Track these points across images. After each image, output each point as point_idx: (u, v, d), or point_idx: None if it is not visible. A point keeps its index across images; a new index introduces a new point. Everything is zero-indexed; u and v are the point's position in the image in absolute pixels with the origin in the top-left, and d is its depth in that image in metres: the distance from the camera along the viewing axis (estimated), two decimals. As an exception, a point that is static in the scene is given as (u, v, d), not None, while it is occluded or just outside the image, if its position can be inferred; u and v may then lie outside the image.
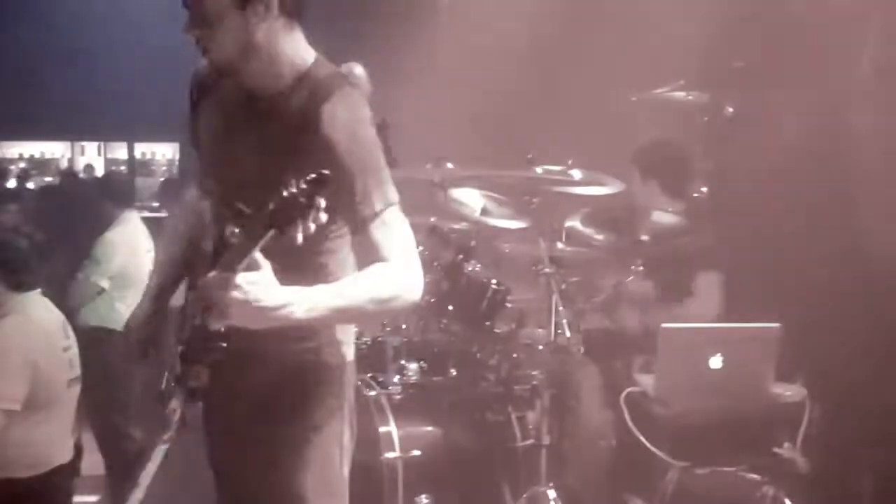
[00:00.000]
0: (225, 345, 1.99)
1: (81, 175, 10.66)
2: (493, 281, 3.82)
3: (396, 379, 3.79)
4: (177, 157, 11.22)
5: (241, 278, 1.87)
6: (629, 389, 3.50)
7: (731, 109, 4.67)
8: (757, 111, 4.59)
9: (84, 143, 11.43)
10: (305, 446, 2.24)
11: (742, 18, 4.65)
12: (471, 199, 4.23)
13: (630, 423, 3.38)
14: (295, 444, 2.24)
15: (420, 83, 5.82)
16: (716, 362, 3.34)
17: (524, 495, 3.58)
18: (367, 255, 2.12)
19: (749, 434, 3.40)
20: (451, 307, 3.83)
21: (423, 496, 3.51)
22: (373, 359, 3.83)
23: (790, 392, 3.51)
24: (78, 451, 3.81)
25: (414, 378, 3.83)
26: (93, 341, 4.55)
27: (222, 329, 1.97)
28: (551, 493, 3.52)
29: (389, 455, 3.48)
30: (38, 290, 3.72)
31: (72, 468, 3.75)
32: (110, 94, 9.42)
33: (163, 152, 11.43)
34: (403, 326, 3.98)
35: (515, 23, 5.85)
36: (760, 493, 3.31)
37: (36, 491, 3.57)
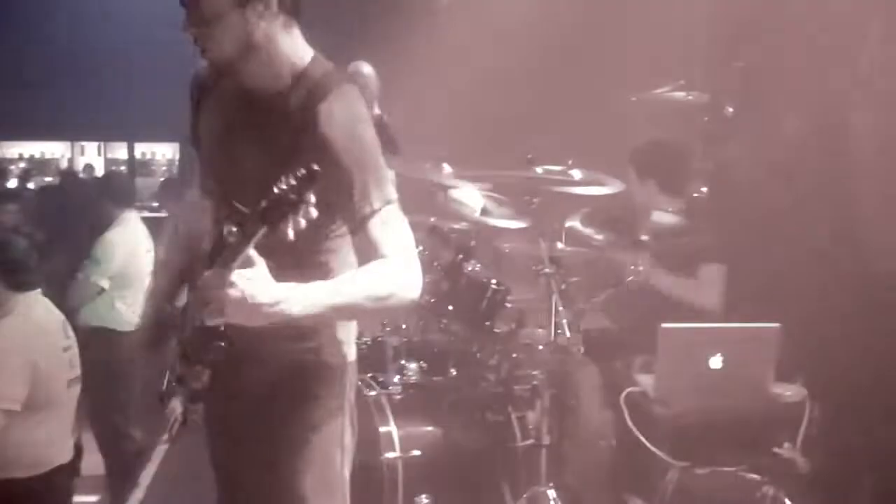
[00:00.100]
0: (224, 344, 1.99)
1: (81, 175, 10.66)
2: (493, 281, 3.82)
3: (396, 379, 3.79)
4: (177, 157, 11.22)
5: (237, 275, 1.88)
6: (629, 389, 3.50)
7: (731, 109, 4.67)
8: (757, 111, 4.59)
9: (84, 143, 11.43)
10: (306, 446, 2.24)
11: (742, 18, 4.65)
12: (471, 199, 4.23)
13: (630, 423, 3.38)
14: (295, 445, 2.24)
15: (420, 83, 5.82)
16: (716, 362, 3.34)
17: (524, 495, 3.58)
18: (366, 253, 2.12)
19: (749, 434, 3.40)
20: (451, 307, 3.83)
21: (423, 496, 3.51)
22: (373, 359, 3.83)
23: (790, 392, 3.51)
24: (78, 451, 3.82)
25: (414, 378, 3.83)
26: (93, 341, 4.55)
27: (222, 328, 1.97)
28: (551, 493, 3.52)
29: (389, 455, 3.48)
30: (39, 291, 3.72)
31: (72, 468, 3.75)
32: (110, 94, 9.42)
33: (163, 152, 11.44)
34: (403, 326, 3.99)
35: (515, 23, 5.85)
36: (760, 493, 3.31)
37: (36, 491, 3.57)
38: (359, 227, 2.12)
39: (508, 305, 3.91)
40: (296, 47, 2.22)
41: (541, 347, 3.72)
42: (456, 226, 4.15)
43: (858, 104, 4.12)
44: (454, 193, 4.17)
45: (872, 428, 3.88)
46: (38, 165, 11.31)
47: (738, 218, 4.35)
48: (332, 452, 2.28)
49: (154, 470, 2.22)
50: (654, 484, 3.40)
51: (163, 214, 7.82)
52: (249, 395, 2.27)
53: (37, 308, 3.70)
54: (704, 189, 4.61)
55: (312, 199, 1.85)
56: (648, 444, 3.34)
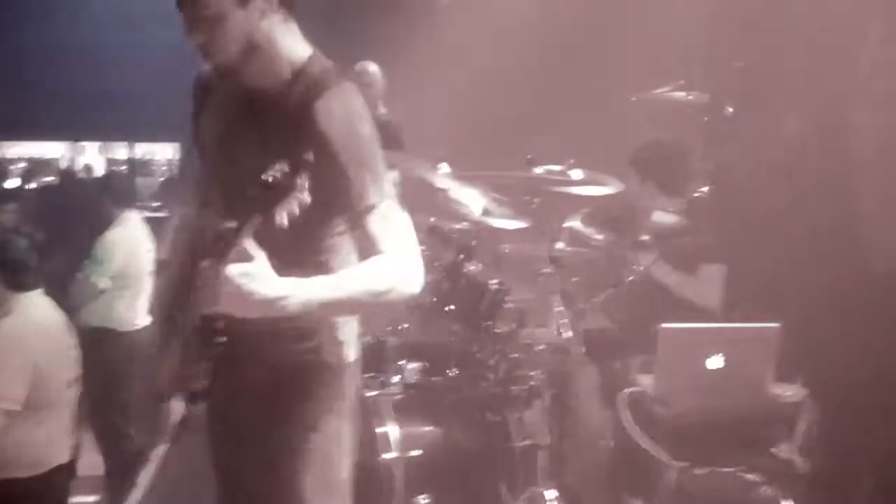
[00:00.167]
0: (222, 341, 2.00)
1: (81, 175, 10.65)
2: (493, 281, 3.82)
3: (396, 379, 3.79)
4: (177, 157, 11.21)
5: (234, 269, 1.88)
6: (629, 389, 3.50)
7: (731, 109, 4.67)
8: (757, 111, 4.59)
9: (84, 143, 11.42)
10: (306, 447, 2.24)
11: (742, 19, 4.65)
12: (471, 199, 4.23)
13: (630, 423, 3.38)
14: (296, 445, 2.24)
15: (420, 83, 5.82)
16: (715, 362, 3.33)
17: (523, 495, 3.57)
18: (366, 249, 2.12)
19: (748, 434, 3.40)
20: (451, 307, 3.83)
21: (423, 496, 3.51)
22: (373, 359, 3.83)
23: (790, 392, 3.50)
24: (78, 451, 3.82)
25: (414, 378, 3.83)
26: (93, 341, 4.55)
27: (220, 324, 1.98)
28: (551, 493, 3.52)
29: (389, 455, 3.48)
30: (40, 291, 3.72)
31: (71, 468, 3.75)
32: (110, 94, 9.40)
33: (163, 152, 11.42)
34: (403, 326, 3.98)
35: (515, 23, 5.85)
36: (760, 493, 3.31)
37: (35, 491, 3.57)
38: (357, 222, 2.12)
39: (508, 305, 3.91)
40: (295, 44, 2.22)
41: (541, 347, 3.72)
42: (456, 226, 4.15)
43: (858, 104, 4.12)
44: (454, 193, 4.17)
45: (872, 428, 3.88)
46: (38, 165, 11.29)
47: (738, 218, 4.35)
48: (333, 453, 2.28)
49: (153, 470, 2.23)
50: (653, 484, 3.40)
51: (163, 214, 7.82)
52: (250, 396, 2.27)
53: (37, 308, 3.70)
54: (704, 189, 4.61)
55: (305, 184, 1.86)
56: (648, 445, 3.34)
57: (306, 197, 1.89)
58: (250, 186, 1.91)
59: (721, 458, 3.37)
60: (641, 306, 3.98)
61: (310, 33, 2.27)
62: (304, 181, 1.90)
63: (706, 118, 4.75)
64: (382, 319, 4.01)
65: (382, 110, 5.66)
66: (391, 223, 2.12)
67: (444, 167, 4.13)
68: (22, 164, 11.24)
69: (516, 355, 3.85)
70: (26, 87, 9.49)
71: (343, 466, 2.30)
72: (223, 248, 1.89)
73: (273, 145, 2.14)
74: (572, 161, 3.75)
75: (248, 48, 2.14)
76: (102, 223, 5.37)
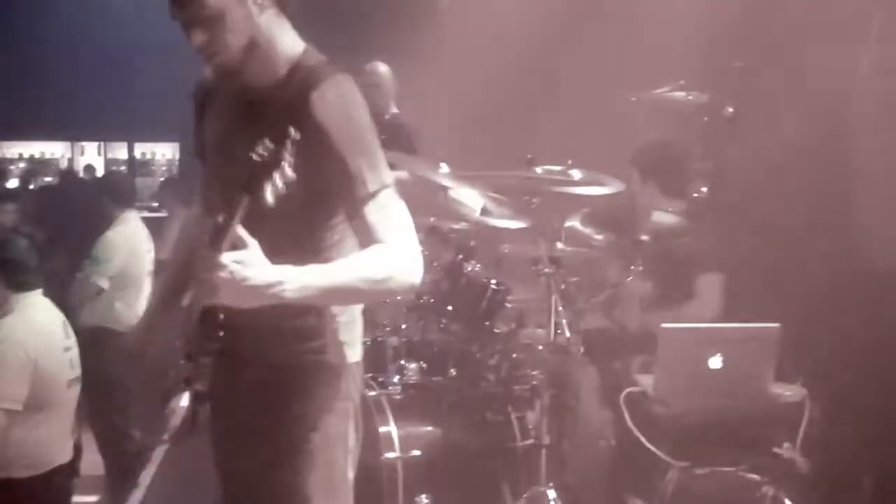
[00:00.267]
0: (222, 334, 2.00)
1: (81, 175, 10.66)
2: (493, 281, 3.82)
3: (396, 379, 3.79)
4: (177, 157, 11.21)
5: (228, 257, 1.88)
6: (629, 389, 3.50)
7: (731, 109, 4.67)
8: (757, 111, 4.59)
9: (84, 143, 11.42)
10: (310, 448, 2.23)
11: (742, 18, 4.65)
12: (471, 199, 4.23)
13: (630, 423, 3.38)
14: (299, 446, 2.23)
15: (420, 84, 5.82)
16: (715, 362, 3.33)
17: (524, 495, 3.57)
18: (365, 239, 2.11)
19: (749, 434, 3.40)
20: (451, 307, 3.84)
21: (423, 496, 3.51)
22: (373, 359, 3.83)
23: (790, 392, 3.50)
24: (78, 451, 3.82)
25: (414, 378, 3.83)
26: (93, 341, 4.55)
27: (220, 317, 1.98)
28: (551, 493, 3.52)
29: (389, 455, 3.48)
30: (40, 291, 3.73)
31: (72, 468, 3.75)
32: (110, 94, 9.42)
33: (163, 152, 11.43)
34: (403, 326, 3.99)
35: (515, 23, 5.85)
36: (760, 493, 3.30)
37: (36, 491, 3.57)
38: (355, 211, 2.11)
39: (508, 305, 3.91)
40: (290, 39, 2.24)
41: (541, 347, 3.72)
42: (456, 226, 4.15)
43: (858, 104, 4.12)
44: (454, 193, 4.17)
45: (872, 428, 3.88)
46: (38, 165, 11.30)
47: (738, 218, 4.35)
48: (337, 454, 2.27)
49: (154, 470, 2.22)
50: (654, 484, 3.40)
51: (163, 214, 7.83)
52: (253, 396, 2.26)
53: (37, 308, 3.70)
54: (704, 189, 4.61)
55: (289, 160, 1.88)
56: (648, 444, 3.34)
57: (290, 172, 1.90)
58: (241, 171, 1.92)
59: (721, 458, 3.37)
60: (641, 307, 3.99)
61: (310, 34, 2.27)
62: (288, 156, 1.91)
63: (706, 118, 4.75)
64: (384, 318, 4.02)
65: (394, 110, 5.65)
66: (389, 212, 2.11)
67: (444, 167, 4.13)
68: (22, 164, 11.25)
69: (516, 355, 3.85)
70: (26, 87, 9.50)
71: (347, 467, 2.30)
72: (218, 236, 1.90)
73: (272, 139, 2.14)
74: (572, 161, 3.75)
75: (248, 46, 2.15)
76: (102, 223, 5.37)
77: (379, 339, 3.93)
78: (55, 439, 3.65)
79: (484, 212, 4.20)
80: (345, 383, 2.29)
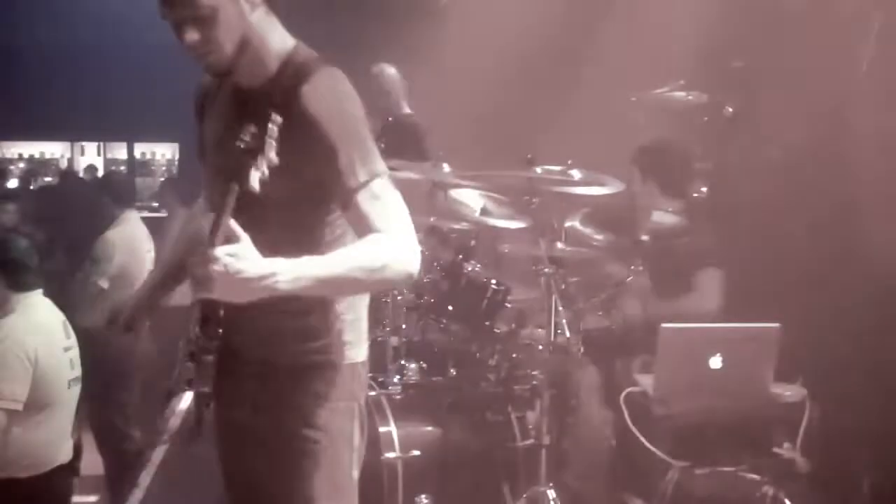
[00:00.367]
0: (221, 331, 2.00)
1: (82, 175, 10.66)
2: (493, 281, 3.82)
3: (396, 379, 3.79)
4: (177, 157, 11.21)
5: (220, 251, 1.88)
6: (629, 389, 3.50)
7: (731, 109, 4.67)
8: (757, 111, 4.59)
9: (84, 143, 11.42)
10: (315, 448, 2.22)
11: (742, 18, 4.65)
12: (470, 199, 4.23)
13: (630, 423, 3.38)
14: (304, 446, 2.22)
15: (420, 84, 5.82)
16: (715, 362, 3.34)
17: (524, 495, 3.58)
18: (360, 230, 2.10)
19: (749, 434, 3.41)
20: (451, 307, 3.84)
21: (423, 496, 3.51)
22: (373, 359, 3.81)
23: (790, 392, 3.51)
24: (78, 451, 3.82)
25: (414, 378, 3.83)
26: (93, 341, 4.55)
27: (220, 313, 1.98)
28: (551, 493, 3.52)
29: (389, 455, 3.48)
30: (40, 291, 3.72)
31: (71, 468, 3.75)
32: (110, 94, 9.41)
33: (163, 152, 11.42)
34: (403, 326, 3.99)
35: (515, 23, 5.85)
36: (760, 493, 3.31)
37: (36, 491, 3.57)
38: (348, 201, 2.09)
39: (508, 305, 3.91)
40: (280, 35, 2.24)
41: (541, 347, 3.72)
42: (456, 226, 4.15)
43: (858, 104, 4.12)
44: (454, 193, 4.17)
45: (872, 428, 3.88)
46: (38, 165, 11.30)
47: (737, 218, 4.35)
48: (342, 454, 2.26)
49: (154, 470, 2.22)
50: (654, 484, 3.40)
51: (163, 214, 7.83)
52: (258, 397, 2.26)
53: (38, 308, 3.70)
54: (704, 189, 4.61)
55: (273, 144, 1.90)
56: (648, 445, 3.34)
57: (274, 158, 1.91)
58: (228, 160, 1.93)
59: (721, 458, 3.37)
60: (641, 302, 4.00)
61: (309, 34, 2.27)
62: (272, 141, 1.92)
63: (706, 118, 4.75)
64: (385, 318, 4.01)
65: (406, 111, 5.63)
66: (383, 202, 2.10)
67: (446, 167, 4.13)
68: (22, 164, 11.25)
69: (516, 355, 3.85)
70: (26, 87, 9.49)
71: (352, 467, 2.29)
72: (210, 233, 1.90)
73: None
74: (572, 161, 3.75)
75: (240, 44, 2.15)
76: (102, 223, 5.37)
77: (379, 339, 3.93)
78: (55, 439, 3.65)
79: (484, 212, 4.20)
80: (350, 383, 2.28)
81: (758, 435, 3.43)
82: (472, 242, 4.00)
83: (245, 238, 1.92)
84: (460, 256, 3.90)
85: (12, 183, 10.31)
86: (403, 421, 3.58)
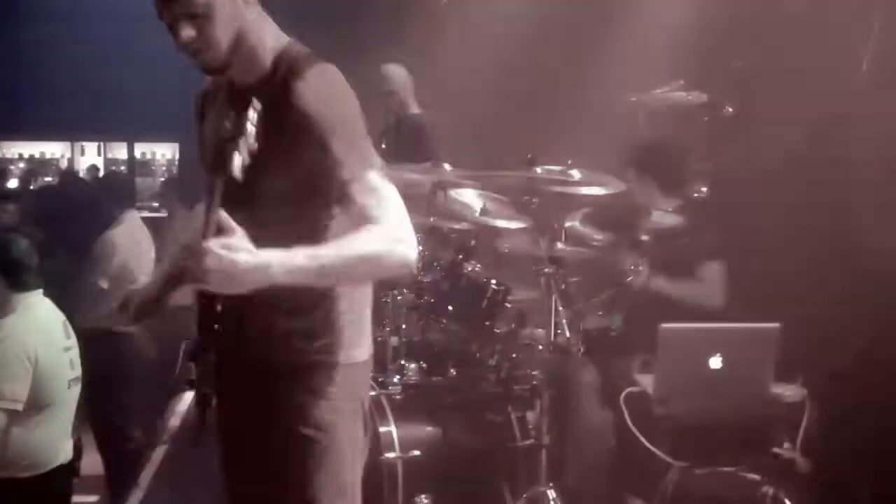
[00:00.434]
0: (217, 326, 2.00)
1: (84, 175, 10.66)
2: (493, 281, 3.82)
3: (396, 379, 3.79)
4: (177, 157, 11.21)
5: (213, 243, 1.89)
6: (629, 389, 3.50)
7: (730, 109, 4.67)
8: (757, 111, 4.59)
9: (84, 143, 11.41)
10: (318, 448, 2.22)
11: (742, 18, 4.65)
12: (470, 199, 4.23)
13: (630, 423, 3.39)
14: (307, 447, 2.22)
15: (420, 84, 5.82)
16: (715, 362, 3.34)
17: (524, 495, 3.58)
18: (357, 222, 2.09)
19: (749, 434, 3.41)
20: (451, 307, 3.84)
21: (423, 496, 3.51)
22: (373, 359, 3.83)
23: (790, 392, 3.51)
24: (78, 451, 3.82)
25: (414, 378, 3.83)
26: (93, 341, 4.55)
27: (218, 308, 1.99)
28: (551, 493, 3.52)
29: (389, 455, 3.48)
30: (40, 291, 3.73)
31: (72, 468, 3.75)
32: (110, 94, 9.40)
33: (163, 152, 11.40)
34: (403, 326, 3.99)
35: (515, 23, 5.85)
36: (760, 493, 3.31)
37: (36, 491, 3.57)
38: (343, 194, 2.09)
39: (508, 305, 3.91)
40: (274, 32, 2.25)
41: (541, 347, 3.73)
42: (456, 226, 4.15)
43: (858, 105, 4.12)
44: (454, 193, 4.17)
45: (872, 428, 3.88)
46: (38, 165, 11.29)
47: (737, 218, 4.35)
48: (345, 454, 2.26)
49: (154, 470, 2.22)
50: (654, 484, 3.40)
51: (163, 214, 7.83)
52: (260, 397, 2.25)
53: (38, 308, 3.70)
54: (704, 189, 4.61)
55: (252, 129, 1.93)
56: (648, 445, 3.35)
57: (254, 143, 1.93)
58: (245, 180, 1.94)
59: (721, 458, 3.37)
60: (642, 307, 3.99)
61: (308, 35, 2.28)
62: (251, 126, 1.95)
63: (706, 118, 4.75)
64: (385, 318, 4.01)
65: (414, 111, 5.61)
66: (378, 192, 2.10)
67: (445, 167, 4.13)
68: (22, 164, 11.24)
69: (516, 355, 3.85)
70: (26, 87, 9.49)
71: (355, 467, 2.29)
72: (203, 226, 1.91)
73: (260, 131, 2.15)
74: (572, 161, 3.75)
75: (236, 42, 2.16)
76: (102, 223, 5.37)
77: (379, 339, 3.93)
78: (55, 439, 3.65)
79: (484, 212, 4.20)
80: (353, 382, 2.28)
81: (758, 435, 3.43)
82: (472, 242, 4.00)
83: (238, 230, 1.92)
84: (460, 256, 3.90)
85: (12, 183, 10.30)
86: (403, 421, 3.58)
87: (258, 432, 2.26)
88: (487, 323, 3.83)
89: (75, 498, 3.87)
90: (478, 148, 5.50)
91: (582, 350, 3.75)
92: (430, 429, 3.67)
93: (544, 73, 5.93)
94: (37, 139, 11.22)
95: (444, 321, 3.87)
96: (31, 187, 10.21)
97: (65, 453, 3.70)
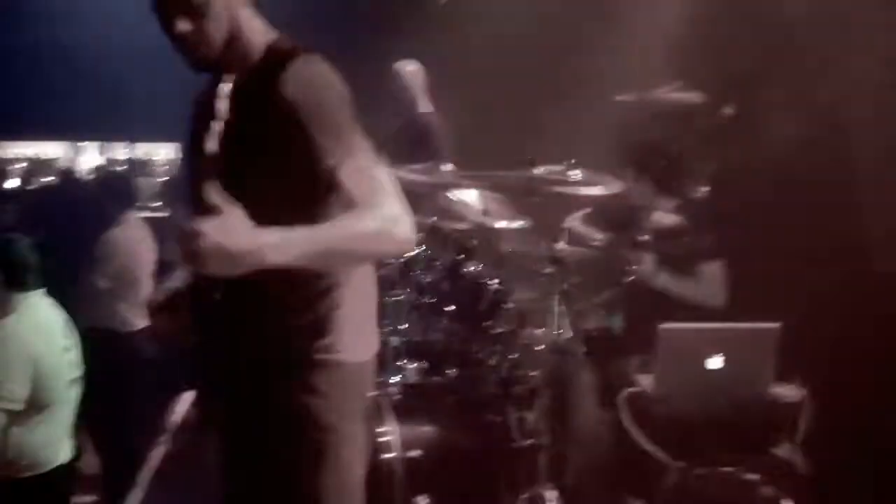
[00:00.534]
0: (217, 296, 2.00)
1: (91, 175, 10.65)
2: (493, 281, 3.82)
3: (396, 379, 3.79)
4: (177, 157, 11.21)
5: (204, 224, 1.88)
6: (629, 389, 3.50)
7: (731, 109, 4.67)
8: (757, 111, 4.59)
9: (84, 143, 11.41)
10: (320, 448, 2.22)
11: (742, 18, 4.65)
12: (471, 199, 4.23)
13: (630, 423, 3.38)
14: (309, 446, 2.22)
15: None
16: (715, 362, 3.34)
17: (524, 495, 3.58)
18: (348, 207, 2.08)
19: (749, 434, 3.40)
20: (451, 307, 3.83)
21: (423, 496, 3.51)
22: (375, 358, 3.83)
23: (790, 392, 3.51)
24: (78, 451, 3.82)
25: (414, 378, 3.83)
26: (93, 341, 4.55)
27: (217, 297, 1.99)
28: (551, 493, 3.52)
29: (389, 455, 3.48)
30: (41, 291, 3.73)
31: (72, 468, 3.76)
32: (110, 94, 9.40)
33: (163, 152, 11.41)
34: (403, 326, 3.98)
35: (515, 23, 5.85)
36: (760, 493, 3.31)
37: (36, 491, 3.57)
38: (333, 180, 2.08)
39: (508, 305, 3.91)
40: (262, 28, 2.27)
41: (541, 347, 3.72)
42: (456, 226, 4.15)
43: (858, 105, 4.12)
44: (454, 193, 4.17)
45: (872, 428, 3.88)
46: (38, 165, 11.28)
47: (737, 218, 4.35)
48: (347, 453, 2.26)
49: (154, 470, 2.22)
50: (654, 484, 3.40)
51: (163, 214, 7.82)
52: (262, 396, 2.26)
53: (39, 308, 3.70)
54: (704, 189, 4.61)
55: (224, 101, 2.02)
56: (648, 445, 3.34)
57: (225, 113, 2.01)
58: (240, 174, 1.97)
59: (721, 458, 3.37)
60: (642, 307, 3.99)
61: (308, 36, 2.28)
62: (222, 98, 2.04)
63: (706, 118, 4.75)
64: (385, 318, 4.01)
65: (424, 109, 5.57)
66: (367, 174, 2.10)
67: (447, 167, 4.13)
68: (22, 164, 11.23)
69: (516, 355, 3.85)
70: (26, 87, 9.49)
71: (357, 467, 2.29)
72: (199, 205, 1.92)
73: (249, 124, 2.16)
74: (572, 161, 3.75)
75: (229, 38, 2.18)
76: (102, 223, 5.37)
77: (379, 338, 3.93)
78: (55, 439, 3.65)
79: (484, 212, 4.20)
80: (354, 382, 2.28)
81: (758, 435, 3.43)
82: (473, 242, 4.00)
83: (230, 210, 1.91)
84: (460, 256, 3.90)
85: (12, 183, 10.29)
86: (403, 421, 3.58)
87: (258, 432, 2.26)
88: (487, 323, 3.83)
89: (75, 498, 3.87)
90: (478, 148, 5.50)
91: (582, 350, 3.75)
92: (430, 429, 3.67)
93: (545, 72, 5.93)
94: (37, 139, 11.22)
95: (444, 321, 3.87)
96: (31, 187, 10.20)
97: (65, 453, 3.70)
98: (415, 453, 3.52)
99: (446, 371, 3.90)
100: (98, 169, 10.89)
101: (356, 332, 2.29)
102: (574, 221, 4.05)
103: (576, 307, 3.91)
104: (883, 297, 3.86)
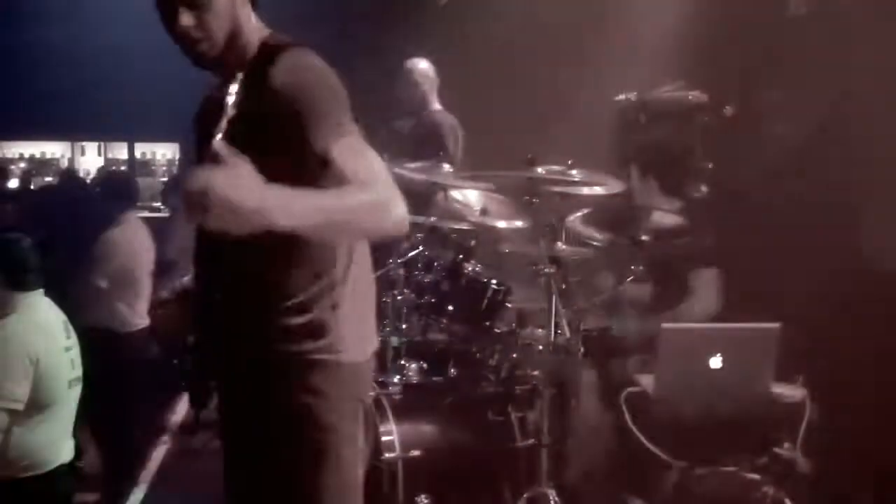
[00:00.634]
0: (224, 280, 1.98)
1: (94, 176, 10.66)
2: (493, 281, 3.82)
3: (396, 379, 3.79)
4: (177, 157, 11.21)
5: (216, 175, 1.85)
6: (629, 389, 3.50)
7: (731, 109, 4.67)
8: (757, 111, 4.59)
9: (84, 143, 11.42)
10: (319, 448, 2.22)
11: (742, 18, 4.65)
12: (471, 199, 4.23)
13: (630, 423, 3.39)
14: (308, 446, 2.22)
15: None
16: (715, 362, 3.34)
17: (524, 495, 3.57)
18: (342, 185, 2.06)
19: (749, 434, 3.40)
20: (451, 307, 3.84)
21: (423, 496, 3.51)
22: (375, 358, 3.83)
23: (790, 392, 3.51)
24: (78, 450, 3.82)
25: (414, 378, 3.84)
26: (93, 341, 4.55)
27: (217, 297, 1.98)
28: (551, 493, 3.52)
29: (389, 455, 3.48)
30: (41, 291, 3.73)
31: (72, 468, 3.75)
32: (110, 94, 9.40)
33: (163, 152, 11.41)
34: (403, 326, 3.99)
35: (514, 23, 5.85)
36: (760, 493, 3.31)
37: (36, 491, 3.57)
38: (326, 163, 2.08)
39: (508, 305, 3.91)
40: (259, 26, 2.28)
41: (541, 347, 3.72)
42: (456, 226, 4.15)
43: (858, 105, 4.12)
44: (454, 193, 4.17)
45: (872, 428, 3.88)
46: (38, 165, 11.29)
47: (737, 218, 4.35)
48: (346, 453, 2.26)
49: (154, 470, 2.22)
50: (654, 484, 3.40)
51: (163, 214, 7.83)
52: (261, 396, 2.26)
53: (39, 308, 3.70)
54: (704, 189, 4.61)
55: (233, 94, 2.08)
56: (648, 444, 3.35)
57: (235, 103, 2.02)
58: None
59: (722, 458, 3.37)
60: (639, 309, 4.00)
61: (307, 36, 2.28)
62: (233, 92, 2.06)
63: (706, 118, 4.76)
64: (385, 318, 4.01)
65: (434, 107, 5.55)
66: (358, 154, 2.08)
67: (445, 167, 4.13)
68: (22, 164, 11.25)
69: (516, 355, 3.85)
70: (26, 87, 9.49)
71: (356, 467, 2.29)
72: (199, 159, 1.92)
73: (245, 116, 2.17)
74: (572, 161, 3.75)
75: (230, 34, 2.20)
76: (102, 223, 5.37)
77: (379, 339, 3.92)
78: (56, 439, 3.65)
79: (484, 212, 4.20)
80: (354, 381, 2.28)
81: (758, 435, 3.42)
82: (472, 242, 4.00)
83: (236, 163, 1.88)
84: (460, 256, 3.90)
85: (12, 183, 10.30)
86: (403, 421, 3.58)
87: (258, 432, 2.26)
88: (487, 323, 3.83)
89: (75, 498, 3.87)
90: (478, 148, 5.50)
91: (582, 350, 3.75)
92: (430, 429, 3.67)
93: (544, 72, 5.93)
94: (37, 139, 11.23)
95: (445, 321, 3.88)
96: (31, 187, 10.21)
97: (65, 453, 3.70)
98: (415, 453, 3.52)
99: (446, 371, 3.90)
100: (98, 169, 10.92)
101: (355, 331, 2.29)
102: (574, 221, 4.05)
103: (576, 307, 3.91)
104: (883, 297, 3.86)
